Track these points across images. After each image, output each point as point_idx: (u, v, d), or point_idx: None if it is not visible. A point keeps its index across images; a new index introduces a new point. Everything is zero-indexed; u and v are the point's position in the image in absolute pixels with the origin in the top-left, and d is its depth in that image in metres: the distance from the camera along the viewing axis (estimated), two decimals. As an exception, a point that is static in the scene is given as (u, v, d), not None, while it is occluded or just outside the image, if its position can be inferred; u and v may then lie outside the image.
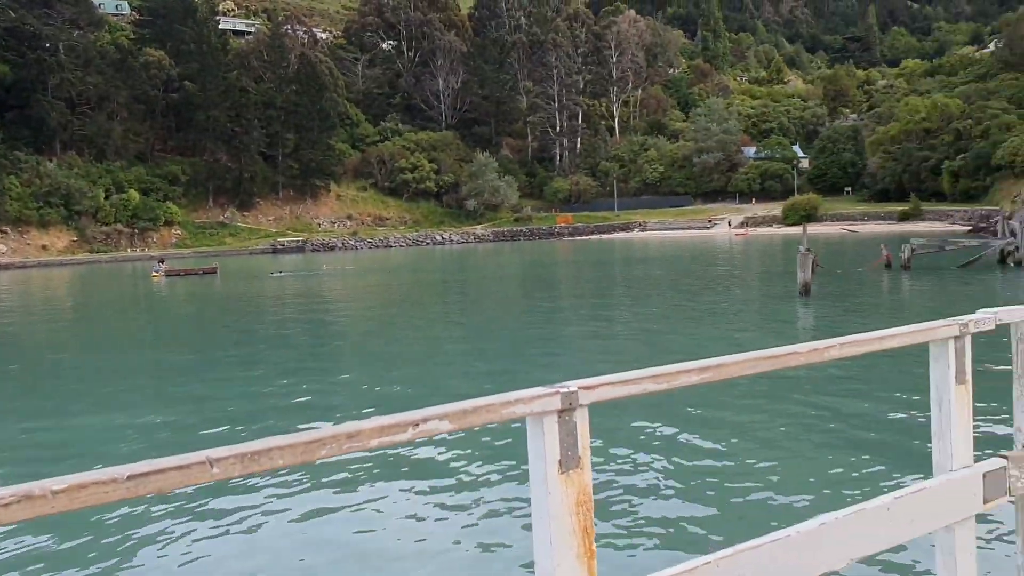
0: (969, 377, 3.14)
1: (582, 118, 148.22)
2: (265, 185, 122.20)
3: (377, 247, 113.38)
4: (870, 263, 43.51)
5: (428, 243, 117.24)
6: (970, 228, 76.54)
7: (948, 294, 32.57)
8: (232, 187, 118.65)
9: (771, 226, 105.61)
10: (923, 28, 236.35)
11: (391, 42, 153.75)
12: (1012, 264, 40.35)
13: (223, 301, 44.63)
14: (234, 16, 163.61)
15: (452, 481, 10.89)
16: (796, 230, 68.68)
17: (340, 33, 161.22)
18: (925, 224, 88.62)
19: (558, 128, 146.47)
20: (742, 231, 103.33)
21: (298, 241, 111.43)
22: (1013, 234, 42.26)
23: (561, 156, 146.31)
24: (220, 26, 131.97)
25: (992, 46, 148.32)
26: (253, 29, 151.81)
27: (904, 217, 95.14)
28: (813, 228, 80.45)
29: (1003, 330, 3.34)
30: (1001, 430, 10.63)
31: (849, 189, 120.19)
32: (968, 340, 3.15)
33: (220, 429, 14.22)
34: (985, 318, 3.22)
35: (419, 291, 45.69)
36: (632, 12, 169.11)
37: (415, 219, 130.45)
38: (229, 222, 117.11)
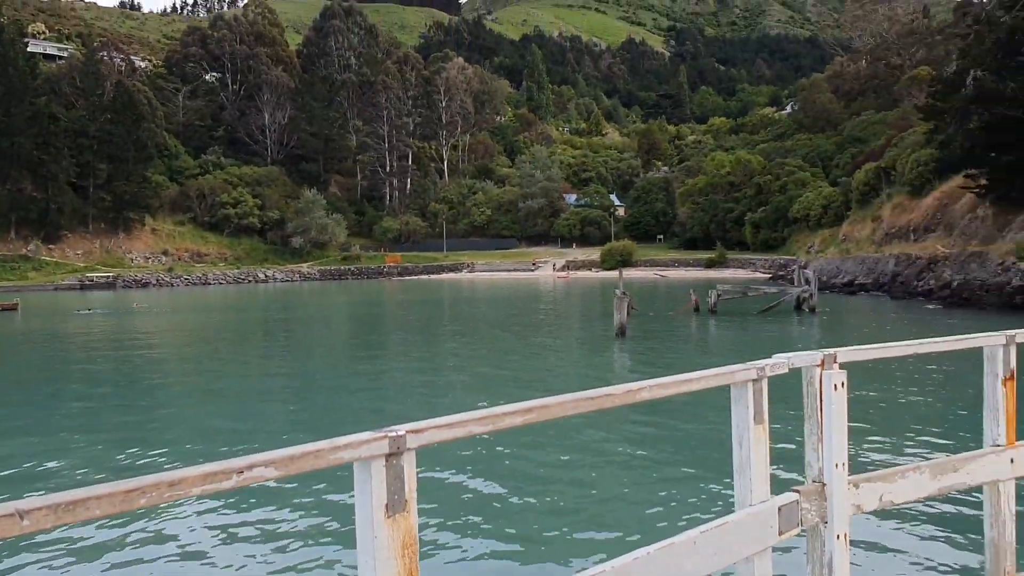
0: (766, 417, 3.31)
1: (412, 159, 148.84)
2: (74, 217, 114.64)
3: (195, 284, 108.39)
4: (680, 307, 45.85)
5: (250, 281, 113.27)
6: (770, 276, 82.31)
7: (750, 337, 34.83)
8: (37, 218, 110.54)
9: (590, 270, 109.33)
10: (729, 89, 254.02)
11: (215, 74, 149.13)
12: (807, 310, 43.66)
13: (23, 340, 41.31)
14: (44, 39, 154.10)
15: (276, 527, 10.53)
16: (613, 274, 71.45)
17: (161, 63, 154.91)
18: (730, 271, 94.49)
19: (388, 168, 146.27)
20: (564, 274, 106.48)
21: (108, 277, 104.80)
22: (807, 282, 45.76)
23: (391, 196, 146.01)
24: (29, 49, 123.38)
25: (789, 108, 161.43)
26: (66, 54, 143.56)
27: (711, 264, 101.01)
28: (629, 273, 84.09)
29: (797, 372, 3.56)
30: (794, 467, 11.42)
31: (661, 237, 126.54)
32: (765, 383, 3.31)
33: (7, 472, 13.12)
34: (780, 362, 3.39)
35: (239, 330, 44.02)
36: (461, 60, 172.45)
37: (237, 256, 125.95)
38: (33, 255, 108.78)
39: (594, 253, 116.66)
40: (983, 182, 52.21)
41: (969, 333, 4.59)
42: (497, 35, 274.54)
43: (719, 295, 44.79)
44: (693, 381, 3.06)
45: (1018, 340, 4.47)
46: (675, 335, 36.07)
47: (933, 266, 53.06)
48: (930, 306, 46.00)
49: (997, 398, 4.45)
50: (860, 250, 68.29)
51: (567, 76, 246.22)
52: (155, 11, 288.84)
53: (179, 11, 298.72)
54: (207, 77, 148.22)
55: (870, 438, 14.22)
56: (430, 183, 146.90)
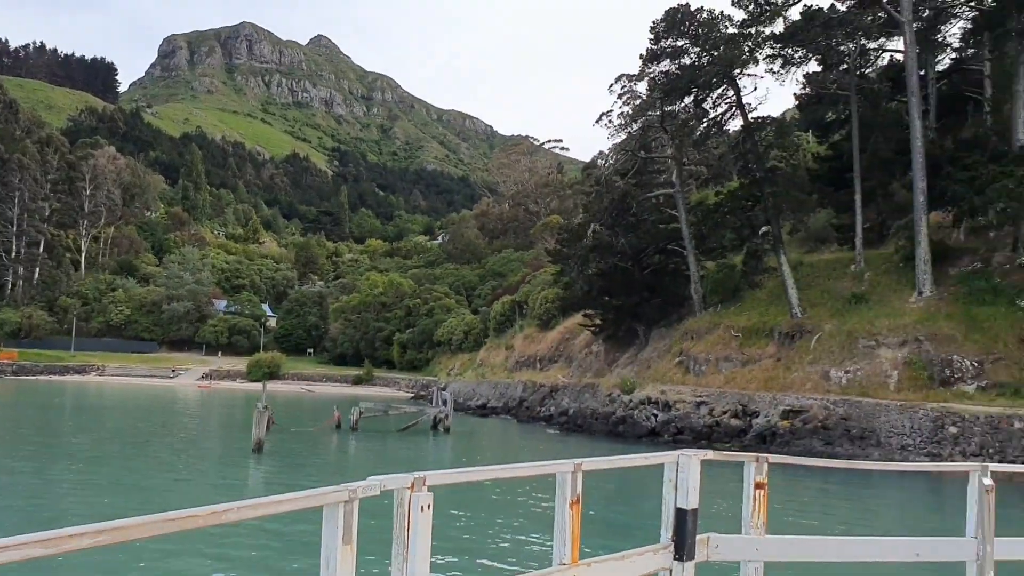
0: (355, 538, 3.40)
1: (44, 247, 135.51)
2: None
3: None
4: (321, 423, 46.16)
5: None
6: (412, 395, 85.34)
7: (387, 455, 36.03)
8: None
9: (235, 380, 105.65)
10: (387, 214, 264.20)
11: None
12: (442, 430, 46.04)
13: None
14: None
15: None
16: (259, 386, 69.93)
17: None
18: (376, 389, 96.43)
19: (14, 254, 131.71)
20: (205, 384, 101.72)
21: None
22: (444, 403, 48.43)
23: (14, 285, 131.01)
24: None
25: (440, 238, 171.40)
26: None
27: (358, 381, 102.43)
28: (276, 386, 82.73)
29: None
30: None
31: (312, 350, 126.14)
32: (356, 504, 3.39)
33: None
34: (372, 484, 3.49)
35: None
36: (112, 149, 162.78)
37: None
38: None
39: (241, 363, 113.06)
40: (598, 321, 59.33)
41: (578, 456, 5.21)
42: (156, 129, 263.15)
43: (361, 412, 45.81)
44: (285, 502, 3.09)
45: (584, 468, 4.91)
46: (314, 452, 36.21)
47: (554, 394, 58.65)
48: (550, 431, 50.56)
49: (565, 520, 4.81)
50: (495, 375, 73.45)
51: (227, 180, 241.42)
52: None
53: None
54: None
55: (450, 559, 14.81)
56: (63, 274, 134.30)
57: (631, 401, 47.88)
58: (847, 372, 39.45)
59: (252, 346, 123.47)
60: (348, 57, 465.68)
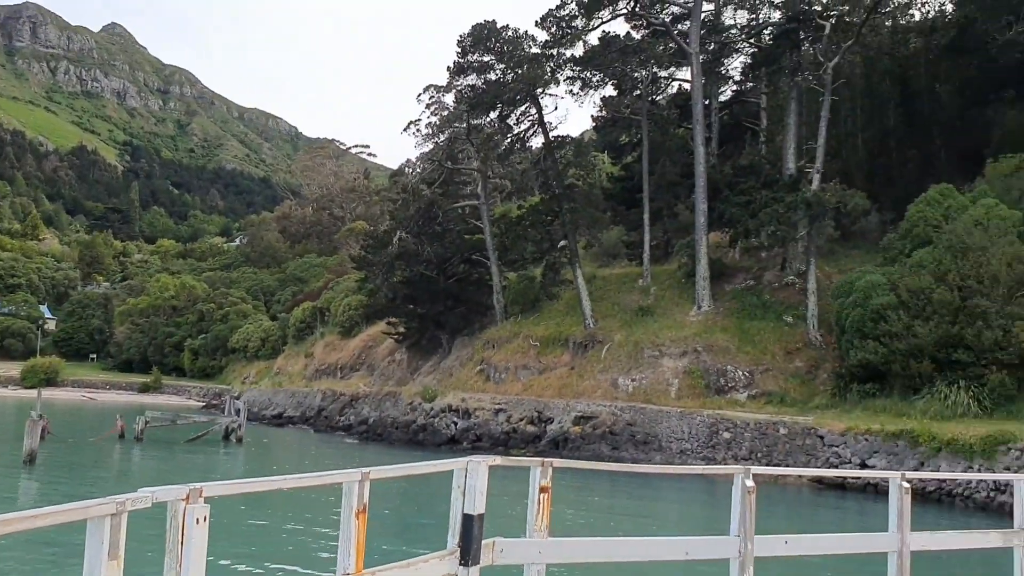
0: (122, 553, 3.26)
1: None
2: None
3: None
4: (103, 433, 43.43)
5: None
6: (204, 404, 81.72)
7: (173, 467, 34.45)
8: None
9: (7, 387, 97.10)
10: (181, 213, 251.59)
11: None
12: (235, 440, 44.48)
13: None
14: None
15: None
16: (33, 393, 64.66)
17: None
18: (164, 397, 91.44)
19: None
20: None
21: None
22: (238, 413, 46.85)
23: None
24: None
25: (238, 241, 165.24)
26: None
27: (145, 389, 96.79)
28: (54, 393, 76.67)
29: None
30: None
31: (95, 356, 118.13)
32: (124, 517, 3.26)
33: None
34: (143, 496, 3.38)
35: None
36: None
37: None
38: None
39: (14, 369, 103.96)
40: (401, 330, 59.38)
41: (373, 464, 5.12)
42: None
43: (147, 422, 43.50)
44: (42, 517, 2.94)
45: (373, 477, 4.92)
46: (94, 463, 34.08)
47: (355, 403, 58.10)
48: (349, 440, 50.08)
49: (351, 529, 4.80)
50: (292, 384, 71.74)
51: (4, 171, 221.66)
52: None
53: None
54: None
55: (234, 569, 14.40)
56: None
57: (432, 409, 48.30)
58: (634, 380, 41.76)
59: (28, 350, 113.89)
60: (144, 48, 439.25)
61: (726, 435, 35.07)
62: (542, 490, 6.21)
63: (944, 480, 26.73)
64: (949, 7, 51.44)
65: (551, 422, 41.79)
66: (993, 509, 24.23)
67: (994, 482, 24.92)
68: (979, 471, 25.83)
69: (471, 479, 5.72)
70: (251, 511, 20.49)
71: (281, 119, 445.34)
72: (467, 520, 5.68)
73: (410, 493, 25.07)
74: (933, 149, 49.64)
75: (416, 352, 59.40)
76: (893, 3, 47.09)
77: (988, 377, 31.61)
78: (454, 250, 57.56)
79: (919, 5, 51.78)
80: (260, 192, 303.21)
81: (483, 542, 5.76)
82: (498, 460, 6.09)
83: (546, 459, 6.39)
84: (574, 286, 49.05)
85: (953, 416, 30.59)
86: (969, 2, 45.69)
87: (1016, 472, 23.05)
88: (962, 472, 26.31)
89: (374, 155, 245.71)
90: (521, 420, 43.21)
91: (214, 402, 78.41)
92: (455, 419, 46.33)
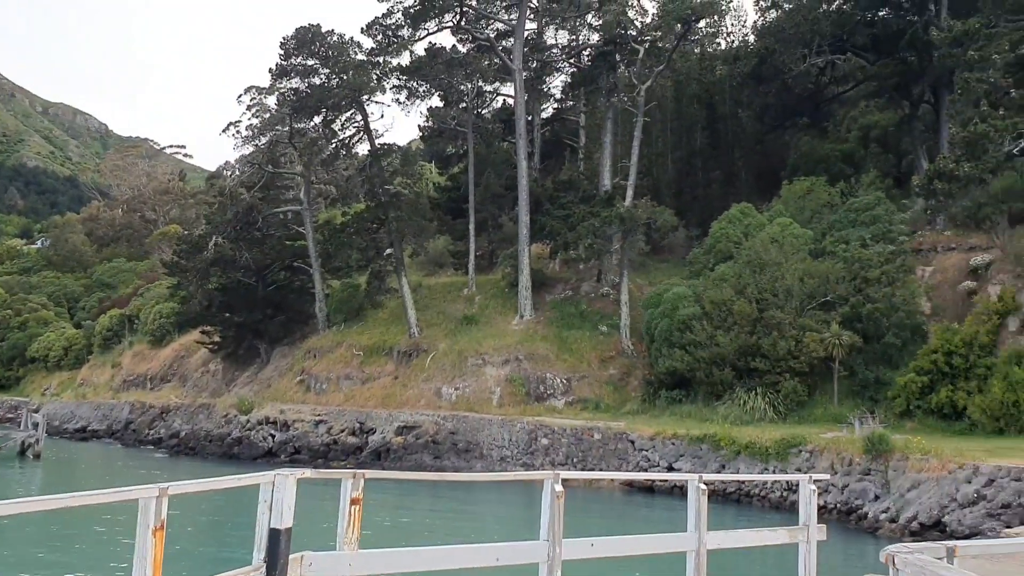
0: None
1: None
2: None
3: None
4: None
5: None
6: (-2, 419, 75.46)
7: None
8: None
9: None
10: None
11: None
12: (32, 456, 41.39)
13: None
14: None
15: None
16: None
17: None
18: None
19: None
20: None
21: None
22: (35, 427, 43.59)
23: None
24: None
25: (40, 243, 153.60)
26: None
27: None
28: None
29: None
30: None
31: None
32: None
33: None
34: None
35: None
36: None
37: None
38: None
39: None
40: (216, 339, 57.15)
41: (180, 479, 5.20)
42: None
43: (-73, 440, 39.74)
44: None
45: (171, 492, 4.88)
46: None
47: (166, 415, 55.36)
48: (159, 454, 47.69)
49: (147, 548, 4.81)
50: (98, 395, 67.51)
51: None
52: None
53: None
54: None
55: None
56: None
57: (248, 422, 46.76)
58: (457, 389, 42.20)
59: None
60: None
61: (544, 441, 36.06)
62: (353, 502, 6.26)
63: (743, 481, 28.59)
64: (752, 38, 55.40)
65: (373, 433, 41.50)
66: (786, 508, 26.15)
67: (786, 482, 26.93)
68: (774, 472, 27.80)
69: (279, 493, 5.70)
70: (42, 532, 19.25)
71: (90, 115, 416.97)
72: (274, 535, 5.66)
73: (225, 509, 24.29)
74: (735, 170, 53.28)
75: (232, 362, 57.39)
76: (701, 32, 50.20)
77: (782, 384, 34.21)
78: (274, 256, 56.11)
79: (725, 35, 55.54)
80: (65, 192, 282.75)
81: (290, 556, 5.76)
82: (308, 473, 6.10)
83: (358, 471, 6.45)
84: (399, 294, 48.97)
85: (751, 421, 32.87)
86: (769, 34, 49.30)
87: (805, 473, 25.12)
88: (758, 474, 28.26)
89: (190, 156, 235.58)
90: (342, 431, 42.65)
91: (9, 416, 72.52)
92: (272, 432, 45.08)
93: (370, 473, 6.55)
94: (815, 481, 9.60)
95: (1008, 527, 18.58)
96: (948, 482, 22.48)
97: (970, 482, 22.01)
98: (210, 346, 58.22)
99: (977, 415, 28.97)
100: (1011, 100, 34.13)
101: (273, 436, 44.78)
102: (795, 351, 34.11)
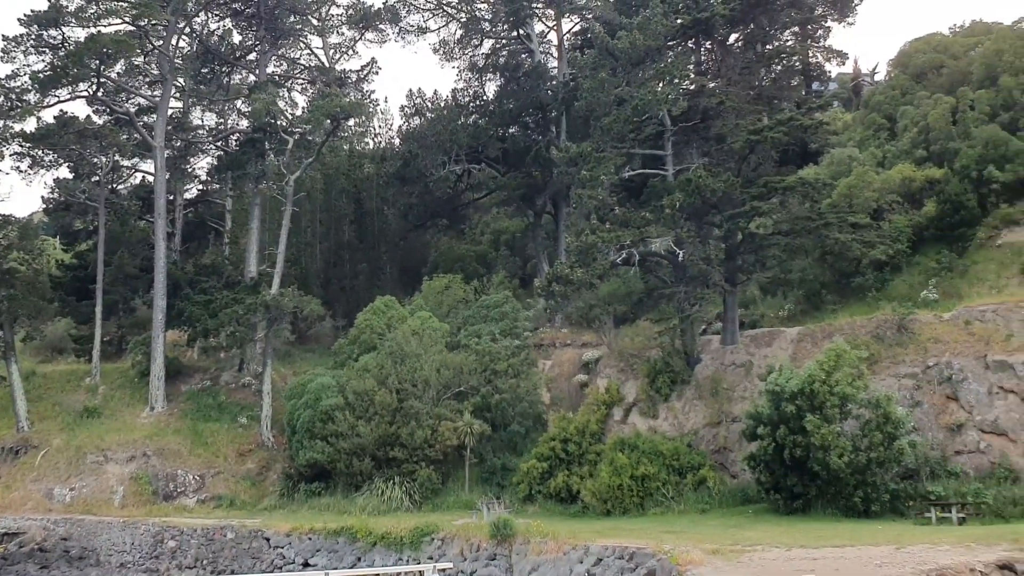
0: None
1: None
2: None
3: None
4: None
5: None
6: None
7: None
8: None
9: None
10: None
11: None
12: None
13: None
14: None
15: None
16: None
17: None
18: None
19: None
20: None
21: None
22: None
23: None
24: None
25: None
26: None
27: None
28: None
29: None
30: None
31: None
32: None
33: None
34: None
35: None
36: None
37: None
38: None
39: None
40: None
41: None
42: None
43: None
44: None
45: None
46: None
47: None
48: None
49: None
50: None
51: None
52: None
53: None
54: None
55: None
56: None
57: None
58: (72, 489, 38.26)
59: None
60: None
61: (171, 543, 33.71)
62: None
63: (377, 574, 28.82)
64: (397, 141, 58.30)
65: (-37, 543, 36.07)
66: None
67: (418, 572, 27.66)
68: (408, 562, 28.39)
69: None
70: None
71: None
72: None
73: None
74: (381, 263, 55.11)
75: None
76: (351, 130, 51.93)
77: (418, 473, 35.34)
78: None
79: (373, 135, 57.92)
80: None
81: None
82: None
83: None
84: (7, 383, 43.58)
85: (389, 510, 33.47)
86: (413, 139, 52.15)
87: (438, 561, 26.09)
88: (392, 564, 28.71)
89: None
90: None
91: None
92: None
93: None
94: (440, 570, 10.27)
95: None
96: (564, 563, 24.48)
97: (582, 562, 24.14)
98: None
99: (588, 498, 32.01)
100: (615, 215, 39.09)
101: None
102: (431, 440, 35.51)
